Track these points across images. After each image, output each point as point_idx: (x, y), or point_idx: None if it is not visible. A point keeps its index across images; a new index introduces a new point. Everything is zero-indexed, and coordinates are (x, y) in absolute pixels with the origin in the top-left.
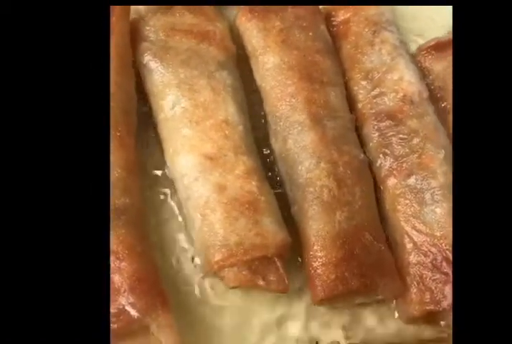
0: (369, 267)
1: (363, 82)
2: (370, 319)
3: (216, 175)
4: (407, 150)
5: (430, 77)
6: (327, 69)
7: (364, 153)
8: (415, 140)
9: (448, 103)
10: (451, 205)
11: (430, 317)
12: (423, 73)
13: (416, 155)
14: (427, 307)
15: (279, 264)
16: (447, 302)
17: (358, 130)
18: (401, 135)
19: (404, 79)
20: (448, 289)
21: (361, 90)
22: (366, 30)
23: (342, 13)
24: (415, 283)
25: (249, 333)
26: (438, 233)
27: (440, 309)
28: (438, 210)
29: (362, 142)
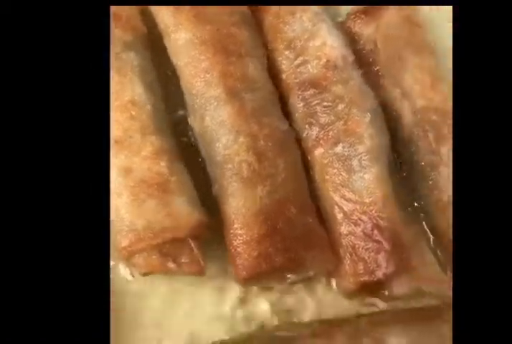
0: (294, 241)
1: (286, 52)
2: (305, 295)
3: (122, 158)
4: (333, 118)
5: (361, 41)
6: (245, 41)
7: (291, 124)
8: (340, 107)
9: (380, 66)
10: (379, 169)
11: (370, 289)
12: (353, 38)
13: (342, 122)
14: (362, 279)
15: (193, 245)
16: (382, 271)
17: (283, 100)
18: (325, 103)
19: (327, 45)
20: (381, 258)
21: (285, 60)
22: None
23: None
24: (348, 254)
25: (175, 318)
26: (367, 200)
27: (375, 279)
28: (366, 176)
29: (288, 113)
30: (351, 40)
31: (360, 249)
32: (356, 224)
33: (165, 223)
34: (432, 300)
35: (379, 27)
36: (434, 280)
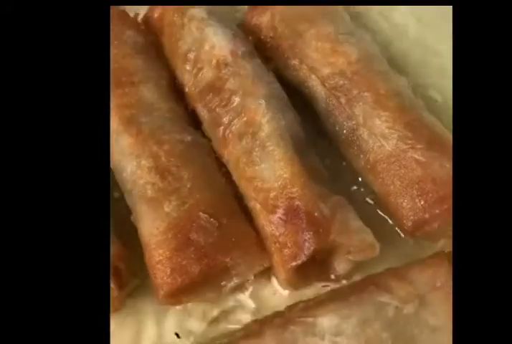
0: (210, 247)
1: (185, 66)
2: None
3: None
4: (233, 114)
5: (262, 31)
6: (137, 69)
7: (204, 134)
8: (236, 101)
9: (284, 49)
10: (283, 151)
11: (314, 274)
12: (254, 30)
13: (241, 115)
14: (289, 265)
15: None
16: (304, 252)
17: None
18: (223, 102)
19: (215, 46)
20: (300, 239)
21: (186, 74)
22: (176, 16)
23: (156, 12)
24: (273, 244)
25: None
26: (277, 185)
27: (299, 261)
28: (271, 162)
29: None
30: (253, 33)
31: (281, 235)
32: (272, 212)
33: None
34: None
35: (274, 14)
36: (360, 247)
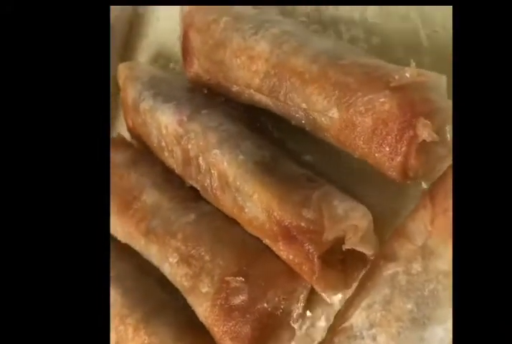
0: (247, 302)
1: (164, 153)
2: None
3: None
4: (208, 175)
5: (201, 78)
6: (135, 184)
7: None
8: (202, 163)
9: (220, 82)
10: (251, 184)
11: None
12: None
13: (212, 173)
14: (314, 279)
15: None
16: (316, 264)
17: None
18: (197, 169)
19: (167, 126)
20: (305, 253)
21: (169, 160)
22: (139, 119)
23: (129, 123)
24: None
25: None
26: (265, 216)
27: (318, 273)
28: (250, 200)
29: None
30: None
31: (294, 258)
32: (276, 241)
33: None
34: None
35: (199, 58)
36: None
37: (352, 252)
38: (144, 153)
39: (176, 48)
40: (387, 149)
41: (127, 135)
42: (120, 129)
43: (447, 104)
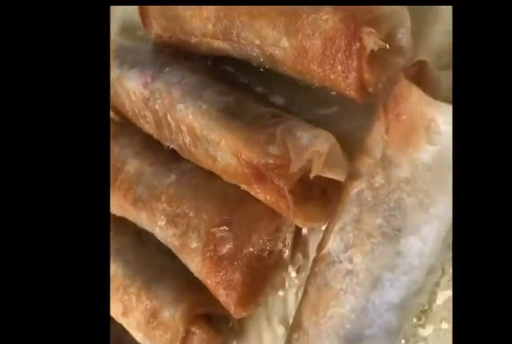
0: (234, 249)
1: (140, 120)
2: None
3: None
4: (178, 132)
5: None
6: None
7: None
8: (171, 121)
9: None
10: (217, 132)
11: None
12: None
13: (182, 129)
14: (291, 212)
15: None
16: (289, 199)
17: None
18: (169, 129)
19: (135, 91)
20: (278, 189)
21: (145, 125)
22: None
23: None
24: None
25: None
26: (235, 161)
27: (292, 208)
28: (219, 149)
29: None
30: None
31: (269, 196)
32: (250, 184)
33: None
34: None
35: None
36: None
37: (330, 184)
38: (123, 125)
39: None
40: (339, 68)
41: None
42: None
43: (393, 10)
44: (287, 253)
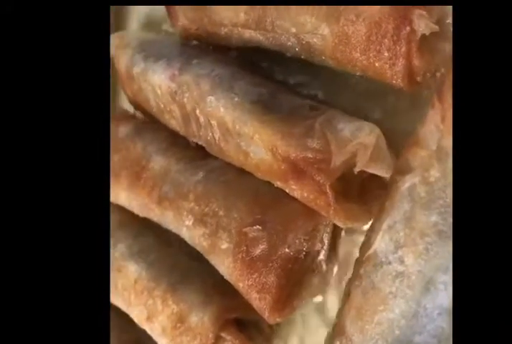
0: (268, 250)
1: (164, 116)
2: None
3: None
4: (209, 128)
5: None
6: (141, 152)
7: None
8: (200, 115)
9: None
10: (250, 125)
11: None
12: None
13: (212, 123)
14: (331, 211)
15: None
16: (330, 195)
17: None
18: (198, 124)
19: (161, 85)
20: (318, 185)
21: (171, 121)
22: (135, 85)
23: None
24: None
25: None
26: (270, 156)
27: (334, 206)
28: (254, 143)
29: None
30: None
31: (307, 193)
32: (286, 181)
33: None
34: None
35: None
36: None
37: (371, 181)
38: (148, 122)
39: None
40: (386, 54)
41: (130, 109)
42: (122, 103)
43: None
44: (324, 254)
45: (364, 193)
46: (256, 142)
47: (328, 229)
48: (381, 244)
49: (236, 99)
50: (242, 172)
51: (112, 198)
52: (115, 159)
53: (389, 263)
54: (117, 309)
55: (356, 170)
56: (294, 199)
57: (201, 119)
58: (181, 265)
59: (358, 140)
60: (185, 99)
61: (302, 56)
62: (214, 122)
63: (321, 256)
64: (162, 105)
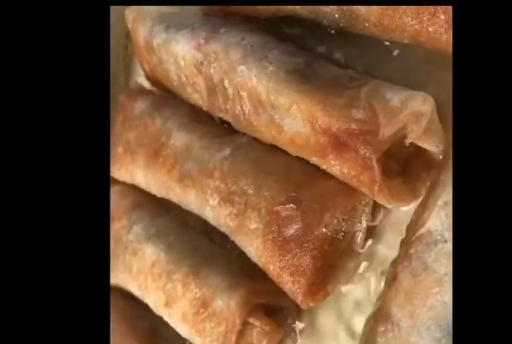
0: (302, 230)
1: (187, 89)
2: None
3: None
4: (238, 99)
5: None
6: (160, 128)
7: None
8: (229, 86)
9: None
10: (286, 95)
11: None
12: None
13: (242, 95)
14: (376, 189)
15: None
16: (375, 169)
17: None
18: (225, 96)
19: (185, 56)
20: (363, 159)
21: (193, 95)
22: (154, 56)
23: (145, 67)
24: (352, 180)
25: None
26: (309, 127)
27: (380, 181)
28: (289, 114)
29: None
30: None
31: (349, 168)
32: (324, 156)
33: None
34: None
35: None
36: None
37: (415, 158)
38: (166, 97)
39: None
40: (443, 17)
41: (146, 85)
42: (137, 79)
43: None
44: (361, 235)
45: (408, 171)
46: (292, 114)
47: (367, 210)
48: (435, 221)
49: (270, 68)
50: (271, 149)
51: (128, 178)
52: (131, 136)
53: (445, 241)
54: (131, 295)
55: (408, 141)
56: (330, 177)
57: (230, 91)
58: (203, 247)
59: (411, 109)
60: (212, 70)
61: (341, 24)
62: (244, 94)
63: (359, 238)
64: (184, 78)
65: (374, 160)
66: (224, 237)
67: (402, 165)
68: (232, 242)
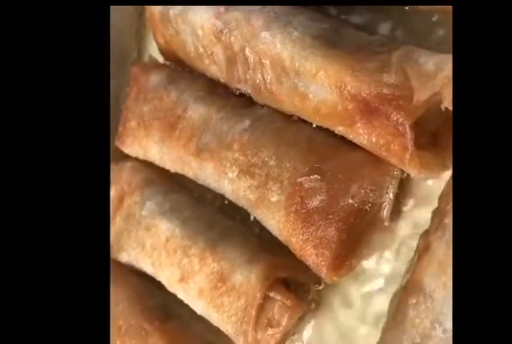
0: (328, 201)
1: (204, 61)
2: None
3: None
4: (259, 68)
5: None
6: (176, 101)
7: None
8: (250, 54)
9: None
10: (312, 60)
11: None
12: None
13: (264, 63)
14: (407, 157)
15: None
16: (408, 135)
17: None
18: (246, 65)
19: (203, 25)
20: (394, 127)
21: (210, 67)
22: (170, 28)
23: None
24: (380, 149)
25: None
26: (337, 93)
27: (412, 148)
28: (315, 81)
29: None
30: None
31: (378, 136)
32: (352, 124)
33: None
34: None
35: None
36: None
37: (444, 129)
38: (182, 70)
39: None
40: None
41: (160, 59)
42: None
43: None
44: (388, 207)
45: (438, 142)
46: (319, 80)
47: (394, 182)
48: None
49: (295, 33)
50: (292, 120)
51: (141, 153)
52: (145, 110)
53: None
54: (142, 273)
55: (444, 106)
56: (356, 148)
57: (251, 59)
58: (219, 222)
59: (447, 72)
60: (232, 38)
61: None
62: (266, 62)
63: (385, 211)
64: (202, 49)
65: (407, 126)
66: (244, 214)
67: (433, 135)
68: (252, 220)
